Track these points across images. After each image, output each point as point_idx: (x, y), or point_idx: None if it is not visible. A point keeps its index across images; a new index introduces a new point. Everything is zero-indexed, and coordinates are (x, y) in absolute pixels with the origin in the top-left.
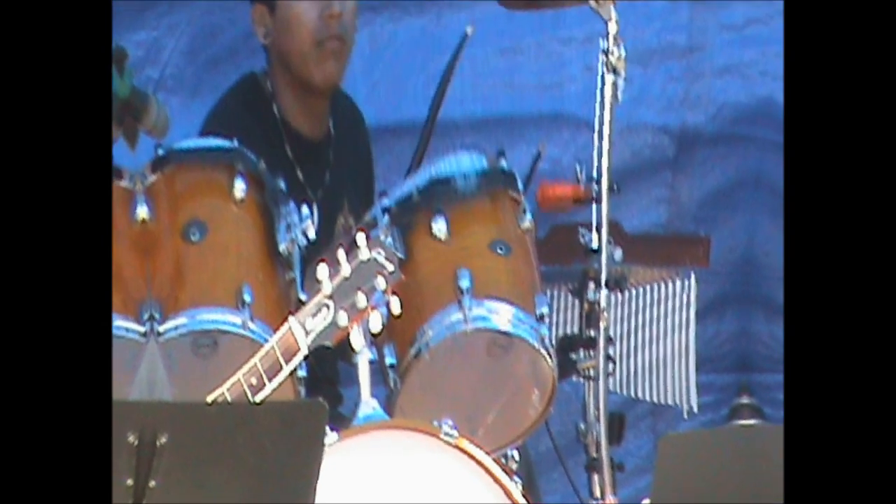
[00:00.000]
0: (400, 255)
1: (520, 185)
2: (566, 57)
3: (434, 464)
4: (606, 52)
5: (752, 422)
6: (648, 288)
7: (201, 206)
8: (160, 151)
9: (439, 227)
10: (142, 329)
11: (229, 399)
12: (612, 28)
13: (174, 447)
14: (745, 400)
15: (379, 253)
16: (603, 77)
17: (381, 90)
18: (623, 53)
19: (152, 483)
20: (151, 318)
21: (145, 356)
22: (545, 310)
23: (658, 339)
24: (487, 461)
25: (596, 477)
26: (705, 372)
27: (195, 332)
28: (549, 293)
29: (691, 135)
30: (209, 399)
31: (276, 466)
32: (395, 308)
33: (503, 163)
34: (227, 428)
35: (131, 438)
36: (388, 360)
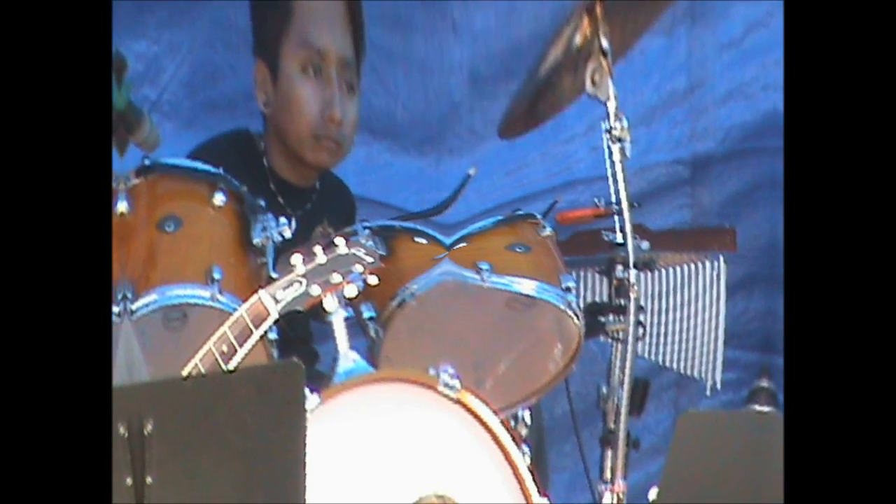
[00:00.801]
0: (382, 251)
1: (538, 216)
2: (570, 150)
3: (430, 425)
4: (609, 130)
5: (766, 409)
6: (679, 268)
7: (179, 206)
8: (146, 162)
9: (422, 240)
10: (116, 309)
11: (202, 370)
12: (612, 106)
13: (160, 434)
14: (764, 384)
15: (358, 250)
16: (610, 149)
17: (371, 188)
18: (626, 124)
19: (149, 479)
20: (125, 297)
21: (121, 338)
22: (572, 284)
23: (689, 312)
24: (494, 423)
25: (609, 453)
26: (732, 347)
27: (165, 307)
28: (575, 274)
29: (704, 159)
30: (184, 373)
31: (259, 444)
32: (373, 281)
33: (519, 211)
34: (206, 404)
35: (122, 430)
36: (367, 314)
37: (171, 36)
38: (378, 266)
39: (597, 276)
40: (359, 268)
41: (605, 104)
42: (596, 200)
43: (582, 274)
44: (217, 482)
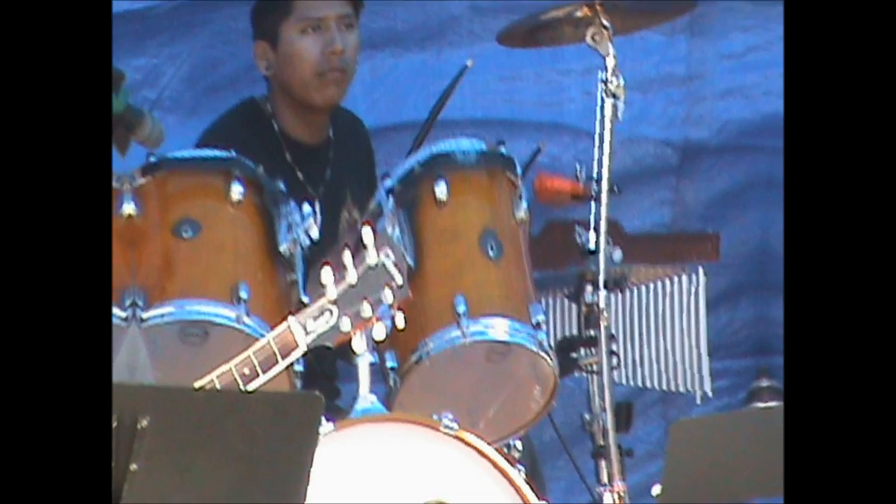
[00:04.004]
0: (408, 259)
1: (518, 170)
2: (565, 84)
3: (433, 453)
4: (605, 82)
5: (773, 404)
6: (652, 285)
7: (194, 206)
8: (152, 159)
9: (441, 189)
10: (123, 314)
11: (218, 386)
12: (611, 62)
13: (156, 430)
14: (764, 383)
15: (388, 256)
16: (602, 100)
17: (381, 106)
18: (622, 82)
19: (133, 466)
20: (134, 304)
21: (126, 339)
22: (541, 318)
23: (666, 330)
24: (488, 450)
25: (603, 463)
26: (719, 358)
27: (183, 321)
28: (543, 301)
29: (695, 147)
30: (196, 385)
31: (267, 452)
32: (400, 323)
33: (502, 149)
34: (214, 414)
35: (114, 422)
36: (389, 363)
37: (170, 50)
38: (406, 295)
39: (566, 301)
40: (388, 295)
41: (603, 58)
42: (577, 167)
43: (551, 301)
44: (213, 478)
